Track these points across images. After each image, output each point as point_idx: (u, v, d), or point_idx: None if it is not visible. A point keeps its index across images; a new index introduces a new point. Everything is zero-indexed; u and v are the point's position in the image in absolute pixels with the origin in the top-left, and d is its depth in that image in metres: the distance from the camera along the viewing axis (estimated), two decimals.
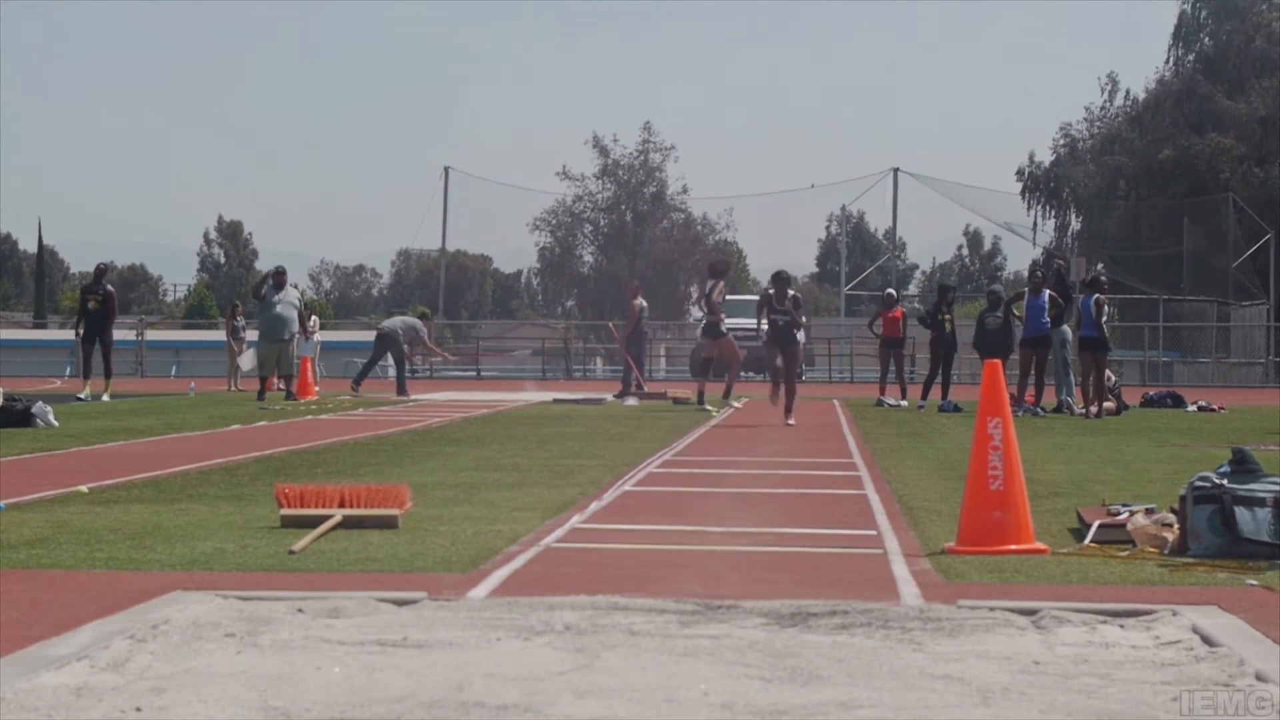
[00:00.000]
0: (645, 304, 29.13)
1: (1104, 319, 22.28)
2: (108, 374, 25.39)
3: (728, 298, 51.01)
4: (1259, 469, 7.63)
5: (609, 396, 27.10)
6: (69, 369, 45.36)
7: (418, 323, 29.22)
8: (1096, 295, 22.56)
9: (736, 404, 24.44)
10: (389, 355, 29.33)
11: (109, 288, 25.63)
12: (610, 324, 28.33)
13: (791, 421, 19.44)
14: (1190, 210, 55.71)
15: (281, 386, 25.57)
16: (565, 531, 8.39)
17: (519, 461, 13.12)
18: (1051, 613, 5.73)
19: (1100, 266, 57.89)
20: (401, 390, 28.21)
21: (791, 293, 20.74)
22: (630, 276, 66.75)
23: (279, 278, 25.46)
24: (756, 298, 54.68)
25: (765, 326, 20.49)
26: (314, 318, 27.97)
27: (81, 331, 25.32)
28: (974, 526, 7.62)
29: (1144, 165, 59.82)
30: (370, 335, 30.35)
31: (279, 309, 24.94)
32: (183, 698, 4.34)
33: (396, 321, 29.09)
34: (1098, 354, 22.14)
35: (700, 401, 23.79)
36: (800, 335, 22.40)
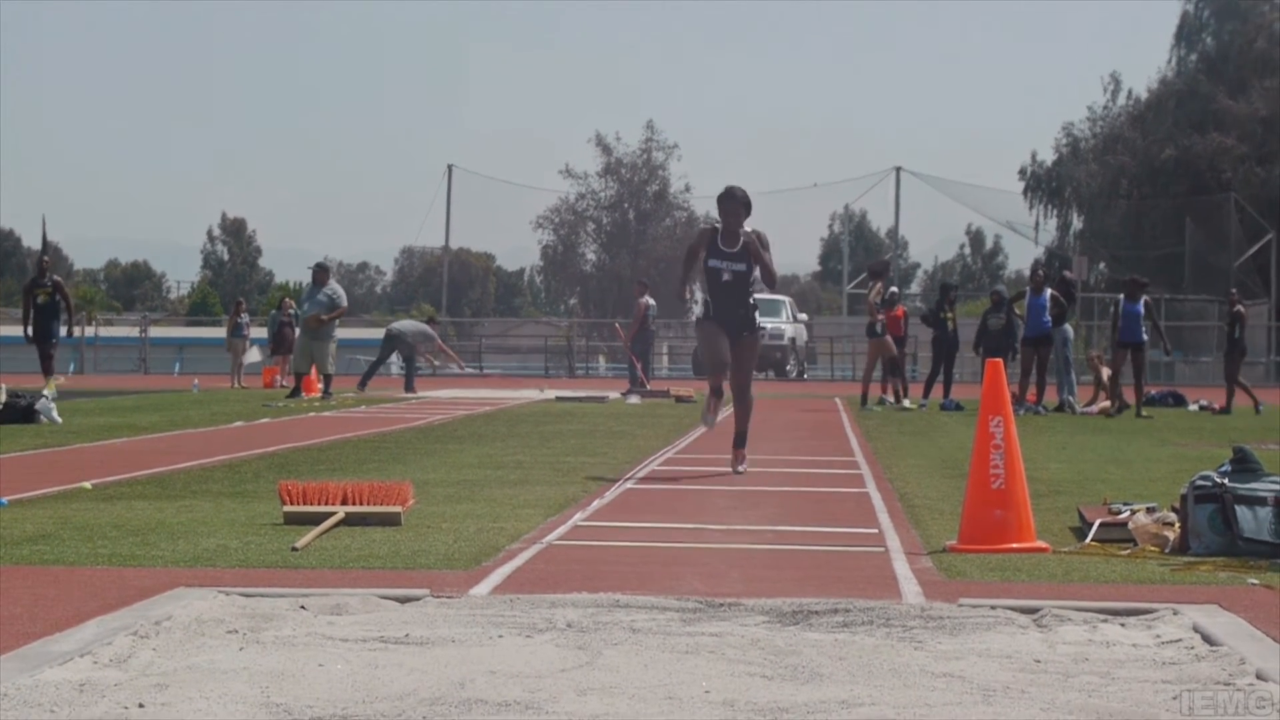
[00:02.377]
0: (653, 302, 29.13)
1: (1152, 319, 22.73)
2: (48, 371, 24.68)
3: None
4: (1260, 468, 7.64)
5: (615, 394, 27.08)
6: (73, 366, 45.37)
7: (430, 330, 29.17)
8: (1146, 298, 22.85)
9: (911, 405, 24.00)
10: (396, 355, 29.28)
11: (56, 278, 25.05)
12: (616, 323, 28.21)
13: (741, 469, 11.79)
14: (1192, 210, 55.69)
15: (285, 384, 25.53)
16: (567, 529, 8.39)
17: (521, 459, 13.12)
18: (1053, 611, 5.74)
19: (1102, 266, 57.94)
20: (410, 388, 28.22)
21: (750, 229, 11.83)
22: (633, 275, 66.80)
23: (317, 274, 25.28)
24: (760, 296, 54.73)
25: (698, 285, 12.78)
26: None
27: (30, 330, 24.28)
28: (975, 525, 7.62)
29: (1146, 165, 59.78)
30: (375, 332, 30.32)
31: (305, 306, 24.89)
32: (185, 694, 4.35)
33: (407, 325, 28.96)
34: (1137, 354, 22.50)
35: (864, 404, 23.72)
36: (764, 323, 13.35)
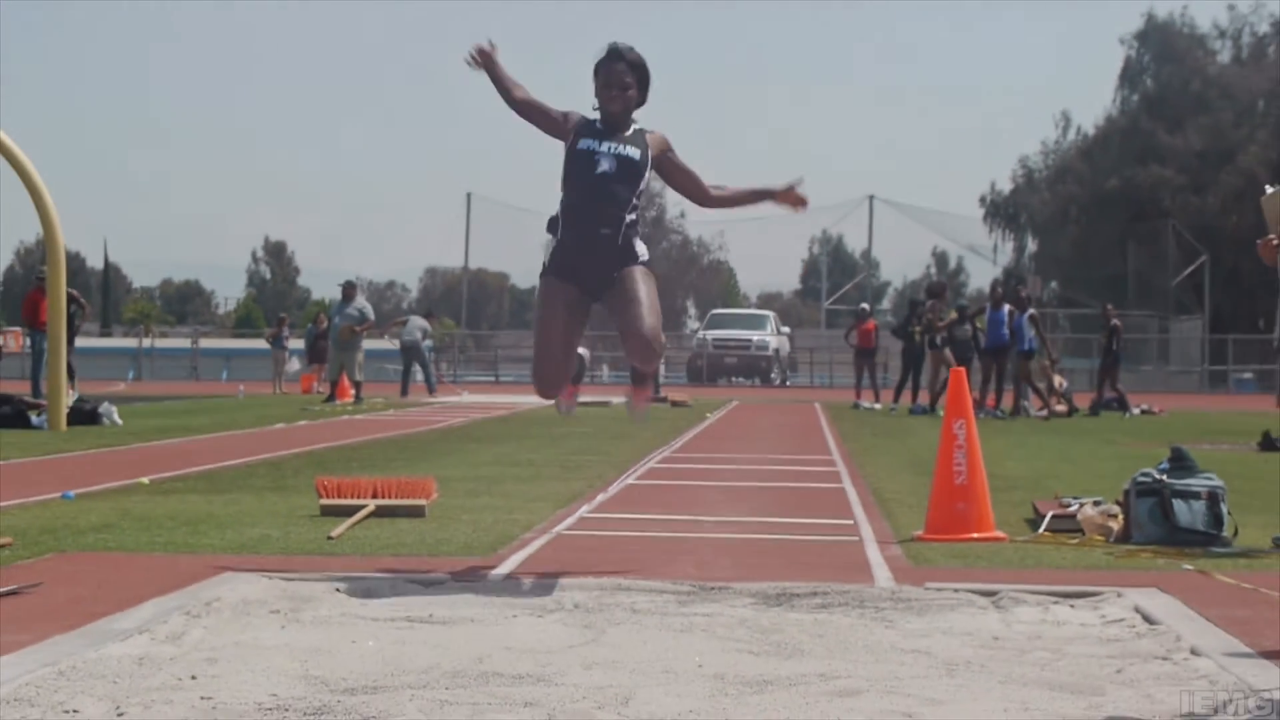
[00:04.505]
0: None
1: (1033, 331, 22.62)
2: (71, 375, 24.01)
3: (721, 312, 50.98)
4: (1194, 466, 7.65)
5: (620, 399, 27.02)
6: (132, 373, 45.35)
7: (424, 323, 29.29)
8: (1031, 312, 22.77)
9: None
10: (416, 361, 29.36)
11: (72, 291, 24.15)
12: None
13: (641, 412, 7.04)
14: (1134, 234, 55.72)
15: (321, 390, 25.49)
16: (574, 520, 8.39)
17: (533, 457, 13.11)
18: (1009, 594, 5.74)
19: (1054, 284, 57.97)
20: (431, 389, 28.35)
21: (660, 148, 6.46)
22: None
23: (346, 291, 25.26)
24: (748, 311, 53.63)
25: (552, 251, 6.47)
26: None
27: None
28: (940, 516, 7.63)
29: (1093, 193, 59.81)
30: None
31: (336, 321, 24.88)
32: (232, 667, 4.35)
33: (414, 330, 28.95)
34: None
35: (933, 407, 23.46)
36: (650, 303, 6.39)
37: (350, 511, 8.17)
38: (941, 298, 24.53)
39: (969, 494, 7.59)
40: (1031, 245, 66.20)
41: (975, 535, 7.51)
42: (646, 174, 6.36)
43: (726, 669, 4.43)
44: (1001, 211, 66.22)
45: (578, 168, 6.30)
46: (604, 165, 6.26)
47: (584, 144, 6.30)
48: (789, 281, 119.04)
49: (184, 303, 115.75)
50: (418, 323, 29.14)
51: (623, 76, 6.30)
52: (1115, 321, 24.91)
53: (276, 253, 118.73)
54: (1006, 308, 22.93)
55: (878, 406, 25.38)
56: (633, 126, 6.40)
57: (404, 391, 28.36)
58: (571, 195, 6.35)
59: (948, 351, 23.17)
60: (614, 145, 6.30)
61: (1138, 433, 18.65)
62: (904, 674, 4.38)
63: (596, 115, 6.38)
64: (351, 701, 3.97)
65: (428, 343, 29.09)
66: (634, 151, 6.32)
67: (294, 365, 34.82)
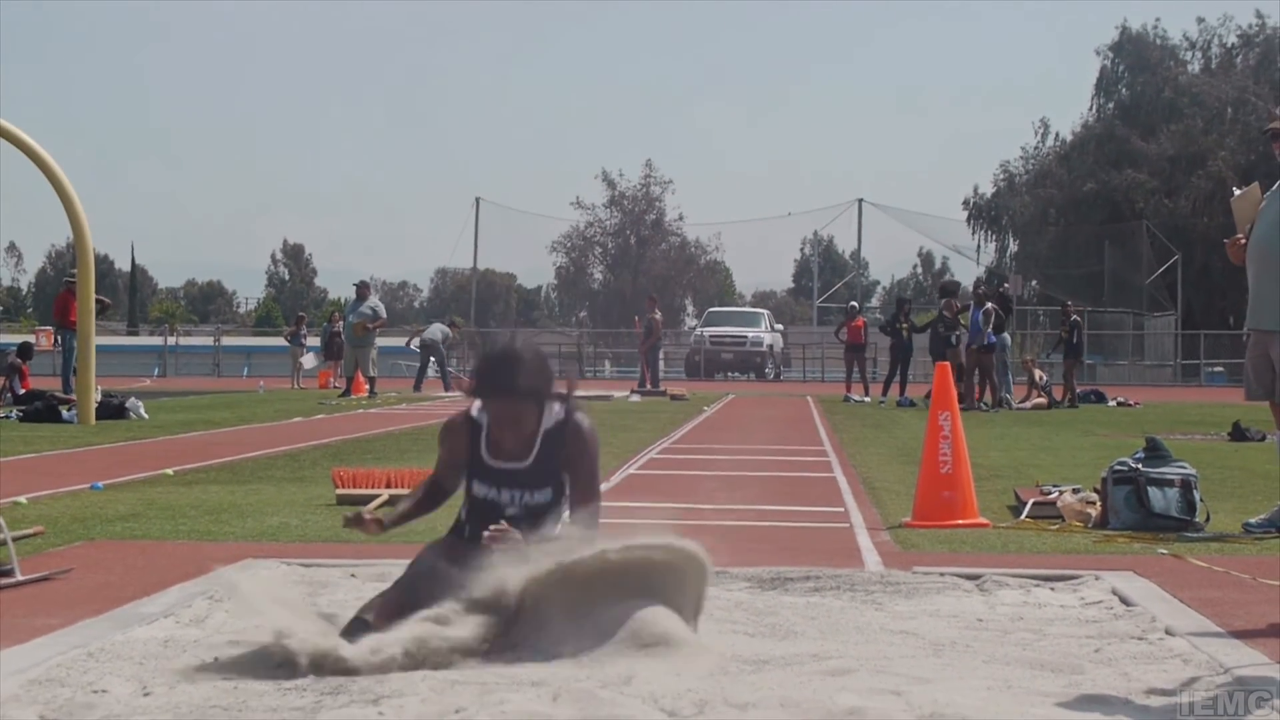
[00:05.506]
0: (660, 315, 29.32)
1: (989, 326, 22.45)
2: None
3: (718, 310, 50.95)
4: (1168, 455, 7.65)
5: (619, 394, 27.05)
6: (157, 370, 45.34)
7: (446, 329, 29.60)
8: (987, 306, 22.61)
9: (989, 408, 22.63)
10: (433, 359, 29.59)
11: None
12: (635, 317, 28.19)
13: None
14: (1110, 235, 55.69)
15: (337, 385, 25.43)
16: None
17: None
18: (993, 578, 5.73)
19: (1034, 283, 57.97)
20: (447, 386, 28.38)
21: (558, 408, 4.70)
22: (635, 291, 66.62)
23: (360, 290, 25.22)
24: (743, 309, 53.51)
25: None
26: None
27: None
28: (927, 504, 7.63)
29: (1071, 196, 59.83)
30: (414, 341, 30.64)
31: (350, 319, 24.82)
32: (253, 649, 4.33)
33: (435, 332, 29.22)
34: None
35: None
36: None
37: (365, 501, 8.16)
38: (955, 295, 24.47)
39: (954, 482, 7.59)
40: (1013, 246, 66.14)
41: (960, 522, 7.51)
42: (563, 493, 4.75)
43: (724, 649, 4.41)
44: (984, 214, 66.18)
45: (480, 510, 4.72)
46: (510, 511, 4.67)
47: (479, 490, 4.72)
48: (782, 281, 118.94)
49: (207, 302, 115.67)
50: (439, 326, 29.74)
51: (514, 409, 4.59)
52: (1076, 317, 24.94)
53: (295, 255, 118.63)
54: (989, 305, 22.88)
55: (867, 400, 25.37)
56: (538, 441, 4.67)
57: (417, 386, 28.44)
58: (479, 526, 4.66)
59: (961, 348, 22.90)
60: (517, 494, 4.69)
61: (1114, 424, 18.65)
62: (893, 654, 4.38)
63: (477, 418, 4.73)
64: (366, 682, 3.96)
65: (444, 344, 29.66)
66: (543, 496, 4.69)
67: (311, 361, 34.81)
